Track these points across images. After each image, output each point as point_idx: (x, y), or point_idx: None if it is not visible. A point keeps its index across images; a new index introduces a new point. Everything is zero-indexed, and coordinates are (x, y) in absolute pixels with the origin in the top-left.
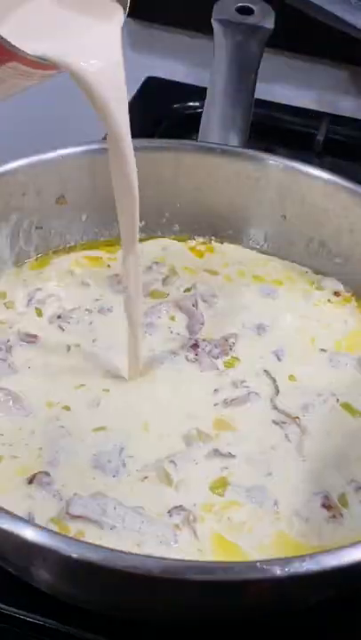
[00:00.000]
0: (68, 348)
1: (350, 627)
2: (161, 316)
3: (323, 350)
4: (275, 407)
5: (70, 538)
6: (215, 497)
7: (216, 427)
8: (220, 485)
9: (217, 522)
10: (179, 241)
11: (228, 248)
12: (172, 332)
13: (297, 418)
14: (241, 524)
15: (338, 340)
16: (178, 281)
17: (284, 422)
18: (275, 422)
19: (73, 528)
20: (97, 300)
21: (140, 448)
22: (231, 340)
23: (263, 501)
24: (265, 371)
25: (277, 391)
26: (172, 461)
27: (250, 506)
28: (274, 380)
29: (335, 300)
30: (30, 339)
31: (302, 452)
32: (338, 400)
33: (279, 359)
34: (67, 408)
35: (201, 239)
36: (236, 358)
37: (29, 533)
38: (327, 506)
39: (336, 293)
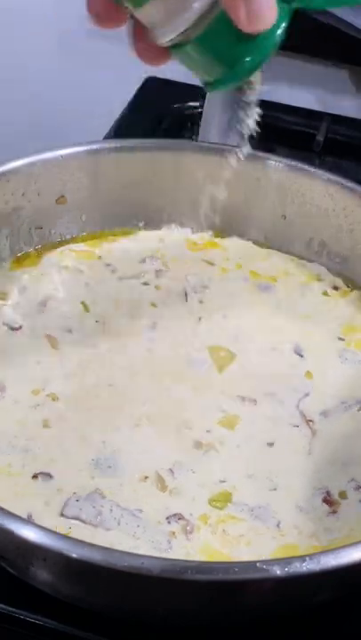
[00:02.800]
0: (62, 339)
1: (350, 627)
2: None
3: (334, 345)
4: (297, 408)
5: (70, 538)
6: (214, 509)
7: (221, 429)
8: (220, 499)
9: (212, 533)
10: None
11: (229, 242)
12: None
13: (311, 421)
14: (238, 537)
15: (341, 335)
16: (170, 273)
17: (297, 425)
18: (291, 425)
19: (69, 529)
20: (91, 293)
21: (137, 449)
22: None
23: (266, 520)
24: (307, 371)
25: (307, 393)
26: (170, 469)
27: (253, 523)
28: (307, 384)
29: (333, 292)
30: (19, 329)
31: (309, 455)
32: (360, 409)
33: (301, 355)
34: (54, 398)
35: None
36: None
37: (29, 533)
38: (328, 501)
39: (335, 287)
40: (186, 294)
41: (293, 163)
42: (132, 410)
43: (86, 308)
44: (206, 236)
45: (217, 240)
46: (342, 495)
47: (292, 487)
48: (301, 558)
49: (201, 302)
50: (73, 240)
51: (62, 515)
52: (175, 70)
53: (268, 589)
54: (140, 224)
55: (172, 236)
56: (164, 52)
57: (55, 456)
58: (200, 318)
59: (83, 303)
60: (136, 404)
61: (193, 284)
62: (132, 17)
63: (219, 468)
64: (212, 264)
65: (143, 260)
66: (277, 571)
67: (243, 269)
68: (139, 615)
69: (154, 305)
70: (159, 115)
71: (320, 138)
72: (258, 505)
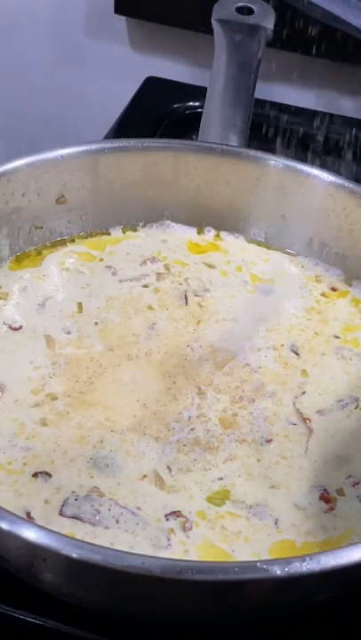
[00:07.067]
0: (62, 340)
1: (350, 627)
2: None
3: (331, 343)
4: (294, 406)
5: (70, 538)
6: (212, 507)
7: (219, 427)
8: (219, 497)
9: (210, 529)
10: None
11: (229, 244)
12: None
13: (308, 419)
14: (237, 533)
15: (338, 333)
16: (170, 277)
17: (294, 423)
18: (289, 423)
19: (67, 528)
20: (91, 294)
21: (136, 448)
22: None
23: (264, 517)
24: (303, 370)
25: (304, 391)
26: (168, 467)
27: (251, 520)
28: (303, 383)
29: (331, 293)
30: (19, 329)
31: (307, 453)
32: (358, 406)
33: (297, 354)
34: (54, 397)
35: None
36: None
37: (29, 533)
38: (325, 498)
39: (333, 289)
40: (186, 297)
41: (293, 163)
42: (130, 409)
43: (86, 310)
44: (207, 237)
45: (218, 242)
46: (340, 492)
47: (289, 485)
48: (301, 558)
49: (201, 306)
50: (73, 240)
51: (61, 514)
52: (175, 70)
53: (268, 589)
54: (141, 224)
55: (174, 237)
56: None
57: (54, 455)
58: (199, 321)
59: (82, 304)
60: (135, 404)
61: (193, 288)
62: None
63: (217, 466)
64: (212, 267)
65: (144, 263)
66: (277, 571)
67: (243, 272)
68: (139, 615)
69: (154, 308)
70: (159, 115)
71: (320, 138)
72: (256, 502)
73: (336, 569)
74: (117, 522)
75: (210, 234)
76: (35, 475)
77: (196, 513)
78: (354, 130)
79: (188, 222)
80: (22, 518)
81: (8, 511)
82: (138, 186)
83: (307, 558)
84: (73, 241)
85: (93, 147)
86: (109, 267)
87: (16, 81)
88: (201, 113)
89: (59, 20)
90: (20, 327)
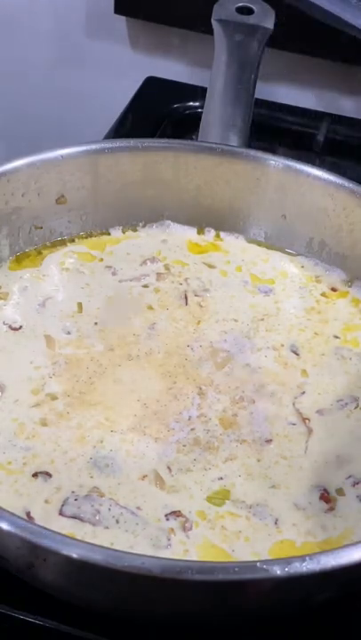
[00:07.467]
0: (62, 340)
1: (350, 627)
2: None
3: (331, 343)
4: (293, 406)
5: (71, 538)
6: (212, 507)
7: (219, 427)
8: (219, 496)
9: (210, 529)
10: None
11: (230, 244)
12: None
13: (307, 419)
14: (237, 532)
15: (338, 333)
16: (170, 277)
17: (294, 423)
18: (288, 423)
19: (67, 528)
20: (91, 294)
21: (135, 447)
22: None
23: (264, 517)
24: (303, 370)
25: (303, 392)
26: (168, 467)
27: (251, 520)
28: (303, 383)
29: (331, 294)
30: (19, 329)
31: (306, 453)
32: (357, 406)
33: (297, 354)
34: (54, 397)
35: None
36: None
37: (29, 533)
38: (325, 498)
39: (333, 289)
40: (186, 297)
41: (293, 163)
42: (130, 409)
43: (86, 310)
44: (207, 237)
45: (218, 242)
46: (340, 492)
47: (289, 485)
48: (301, 558)
49: (201, 306)
50: (73, 240)
51: (61, 513)
52: (175, 70)
53: (268, 589)
54: (141, 224)
55: (174, 237)
56: None
57: (54, 455)
58: (200, 321)
59: (82, 304)
60: (134, 404)
61: (193, 288)
62: None
63: (217, 466)
64: (212, 267)
65: (144, 263)
66: (277, 571)
67: (243, 272)
68: (139, 615)
69: (154, 308)
70: (159, 115)
71: (320, 138)
72: (256, 502)
73: (336, 569)
74: (117, 522)
75: (210, 234)
76: (35, 475)
77: (196, 513)
78: (354, 130)
79: (188, 222)
80: (22, 518)
81: (8, 511)
82: (138, 186)
83: (307, 558)
84: (73, 241)
85: (93, 147)
86: (109, 267)
87: (16, 81)
88: (201, 113)
89: (59, 20)
90: (20, 327)
